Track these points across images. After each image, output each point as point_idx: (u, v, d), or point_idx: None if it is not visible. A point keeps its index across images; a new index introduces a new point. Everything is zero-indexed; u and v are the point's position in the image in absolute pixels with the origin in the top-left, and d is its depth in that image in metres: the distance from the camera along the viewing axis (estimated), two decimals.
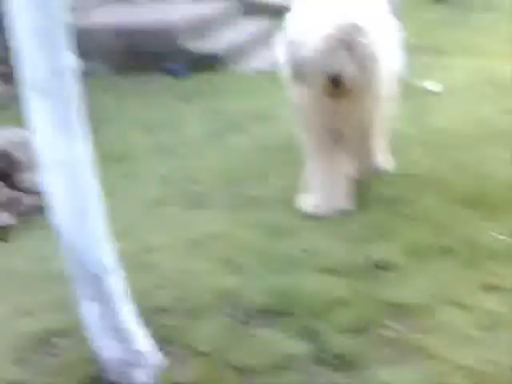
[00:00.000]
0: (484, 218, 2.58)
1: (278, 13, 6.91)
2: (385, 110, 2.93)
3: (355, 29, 2.55)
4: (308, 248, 2.53)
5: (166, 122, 4.14)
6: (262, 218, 2.82)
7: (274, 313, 2.18)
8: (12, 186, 3.05)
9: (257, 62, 5.52)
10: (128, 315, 1.96)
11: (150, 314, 2.14)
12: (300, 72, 2.65)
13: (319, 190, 2.83)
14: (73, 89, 1.78)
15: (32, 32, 1.70)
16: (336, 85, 2.58)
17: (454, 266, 2.30)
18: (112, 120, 4.16)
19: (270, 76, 5.07)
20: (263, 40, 5.99)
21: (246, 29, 6.14)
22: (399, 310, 2.10)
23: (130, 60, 5.38)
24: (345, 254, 2.45)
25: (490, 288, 2.15)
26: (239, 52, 5.59)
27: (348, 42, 2.53)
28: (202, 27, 5.74)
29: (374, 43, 2.59)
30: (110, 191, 3.19)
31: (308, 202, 2.85)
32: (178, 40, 5.43)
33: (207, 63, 5.28)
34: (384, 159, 3.12)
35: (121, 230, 2.77)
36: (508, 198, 2.71)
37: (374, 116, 2.86)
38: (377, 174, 3.06)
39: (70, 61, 1.77)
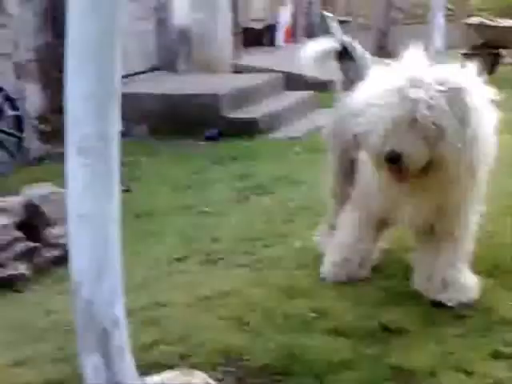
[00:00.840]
0: (504, 287, 2.48)
1: (316, 86, 7.19)
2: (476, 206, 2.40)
3: (426, 97, 2.04)
4: (318, 309, 2.46)
5: (195, 183, 4.23)
6: (275, 278, 2.77)
7: (277, 373, 2.11)
8: (34, 238, 3.12)
9: (291, 130, 5.65)
10: (129, 370, 1.93)
11: (151, 370, 2.11)
12: (361, 145, 2.27)
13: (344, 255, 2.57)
14: (114, 150, 1.84)
15: (85, 98, 1.76)
16: (396, 167, 2.11)
17: (465, 333, 2.21)
18: (143, 179, 4.27)
19: (301, 143, 5.20)
20: (299, 110, 6.16)
21: (285, 100, 6.32)
22: (404, 375, 2.02)
23: (172, 125, 5.59)
24: (355, 317, 2.38)
25: (499, 356, 2.05)
26: (276, 120, 5.73)
27: (416, 111, 2.04)
28: (244, 97, 5.95)
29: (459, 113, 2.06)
30: (131, 246, 3.29)
31: (329, 267, 2.63)
32: (219, 108, 5.62)
33: (244, 130, 5.43)
34: (469, 278, 2.41)
35: (134, 285, 2.82)
36: None
37: (463, 212, 2.33)
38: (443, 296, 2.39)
39: (117, 126, 1.83)
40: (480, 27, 8.59)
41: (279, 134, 5.53)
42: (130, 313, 2.52)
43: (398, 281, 2.64)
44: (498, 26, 8.64)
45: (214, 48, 7.36)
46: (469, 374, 1.98)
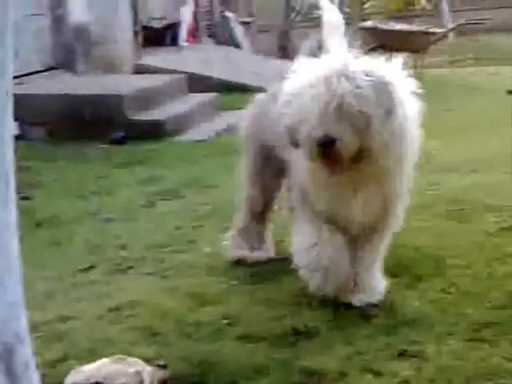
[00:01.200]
0: (407, 287, 2.57)
1: (223, 88, 7.21)
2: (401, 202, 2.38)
3: (354, 80, 2.08)
4: (230, 315, 2.46)
5: (100, 189, 4.10)
6: (186, 285, 2.74)
7: (191, 382, 2.08)
8: None
9: (197, 133, 5.62)
10: None
11: None
12: (292, 137, 2.23)
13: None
14: (9, 154, 1.72)
15: None
16: (329, 155, 2.12)
17: (372, 333, 2.27)
18: (44, 185, 4.09)
19: (208, 146, 5.19)
20: (204, 113, 6.15)
21: (189, 101, 6.28)
22: (314, 378, 2.05)
23: (72, 128, 5.39)
24: (267, 321, 2.40)
25: (405, 355, 2.12)
26: (181, 123, 5.68)
27: (343, 100, 2.07)
28: (148, 98, 5.84)
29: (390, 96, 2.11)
30: (32, 258, 3.14)
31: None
32: (123, 110, 5.49)
33: (150, 132, 5.33)
34: (379, 280, 2.46)
35: (38, 299, 2.69)
36: (430, 267, 2.73)
37: (392, 213, 2.34)
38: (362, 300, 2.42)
39: (11, 129, 1.72)
40: (374, 31, 8.95)
41: (185, 137, 5.48)
42: (34, 328, 2.41)
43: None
44: (391, 30, 9.04)
45: (113, 47, 7.17)
46: (376, 374, 2.03)
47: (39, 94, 5.59)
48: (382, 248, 2.46)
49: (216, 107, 6.53)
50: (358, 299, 2.43)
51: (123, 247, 3.22)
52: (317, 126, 2.10)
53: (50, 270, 2.99)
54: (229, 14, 11.06)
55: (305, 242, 2.42)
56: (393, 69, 2.24)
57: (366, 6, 12.36)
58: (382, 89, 2.12)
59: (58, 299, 2.71)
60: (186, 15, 9.73)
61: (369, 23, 9.72)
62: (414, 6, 11.94)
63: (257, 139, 2.79)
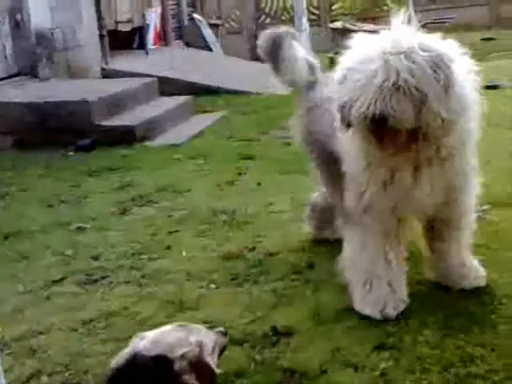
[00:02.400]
0: None
1: (196, 91, 7.13)
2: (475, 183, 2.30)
3: (411, 54, 2.00)
4: (210, 320, 2.40)
5: (70, 198, 3.99)
6: (164, 292, 2.68)
7: None
8: None
9: (170, 137, 5.53)
10: None
11: None
12: (345, 115, 2.11)
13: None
14: None
15: None
16: (380, 131, 2.01)
17: (351, 328, 2.26)
18: (11, 196, 3.96)
19: (182, 150, 5.11)
20: (176, 116, 6.06)
21: (161, 105, 6.18)
22: (296, 376, 2.03)
23: (39, 137, 5.26)
24: (246, 323, 2.36)
25: (383, 348, 2.12)
26: (153, 127, 5.58)
27: (399, 76, 1.98)
28: (117, 103, 5.73)
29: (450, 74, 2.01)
30: (1, 271, 3.02)
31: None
32: (91, 116, 5.37)
33: (120, 138, 5.23)
34: (473, 263, 2.41)
35: (8, 313, 2.59)
36: None
37: (465, 193, 2.25)
38: (459, 283, 2.38)
39: None
40: (343, 31, 8.97)
41: (158, 142, 5.38)
42: (5, 344, 2.33)
43: (286, 282, 2.65)
44: (359, 31, 9.06)
45: (78, 52, 7.04)
46: (357, 368, 2.03)
47: (2, 102, 5.45)
48: (466, 231, 2.37)
49: (189, 110, 6.45)
50: (468, 283, 2.38)
51: (96, 257, 3.13)
52: (371, 102, 2.01)
53: (20, 284, 2.89)
54: (198, 17, 10.98)
55: (365, 270, 2.30)
56: (451, 46, 2.16)
57: (334, 7, 12.41)
58: (440, 65, 2.04)
59: (29, 313, 2.61)
60: (153, 18, 9.63)
61: (338, 24, 9.76)
62: (381, 6, 12.04)
63: (311, 140, 2.66)
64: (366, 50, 2.10)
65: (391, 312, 2.28)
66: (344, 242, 2.42)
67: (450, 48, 2.14)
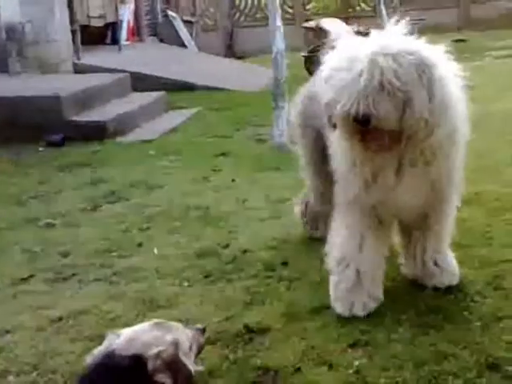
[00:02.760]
0: None
1: (170, 87, 7.06)
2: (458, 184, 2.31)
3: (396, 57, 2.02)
4: (182, 318, 2.35)
5: (40, 194, 3.91)
6: (135, 290, 2.63)
7: None
8: None
9: (142, 133, 5.47)
10: None
11: None
12: (330, 114, 2.13)
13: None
14: None
15: None
16: (364, 130, 2.03)
17: (325, 325, 2.25)
18: None
19: (155, 146, 5.06)
20: (149, 112, 5.99)
21: (134, 101, 6.11)
22: (270, 375, 2.01)
23: (10, 131, 5.14)
24: (219, 321, 2.33)
25: (357, 345, 2.11)
26: (125, 123, 5.51)
27: (383, 77, 1.99)
28: (89, 99, 5.64)
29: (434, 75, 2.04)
30: None
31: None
32: (62, 112, 5.28)
33: (92, 134, 5.15)
34: (448, 261, 2.42)
35: None
36: None
37: (448, 195, 2.26)
38: (433, 281, 2.39)
39: None
40: (316, 30, 8.98)
41: (130, 137, 5.32)
42: None
43: (259, 280, 2.63)
44: (333, 30, 9.08)
45: (50, 47, 6.91)
46: (331, 365, 2.02)
47: None
48: (446, 230, 2.38)
49: (162, 106, 6.38)
50: (440, 282, 2.39)
51: (66, 254, 3.07)
52: (355, 101, 2.01)
53: None
54: (172, 13, 10.90)
55: (340, 249, 2.31)
56: (436, 50, 2.17)
57: (308, 6, 12.45)
58: (424, 68, 2.06)
59: None
60: (127, 13, 9.53)
61: (311, 23, 9.77)
62: (354, 7, 12.11)
63: (308, 125, 2.69)
64: (352, 50, 2.11)
65: (359, 311, 2.28)
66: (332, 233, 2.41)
67: (436, 52, 2.16)
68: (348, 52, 2.12)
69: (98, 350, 1.72)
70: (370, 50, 2.06)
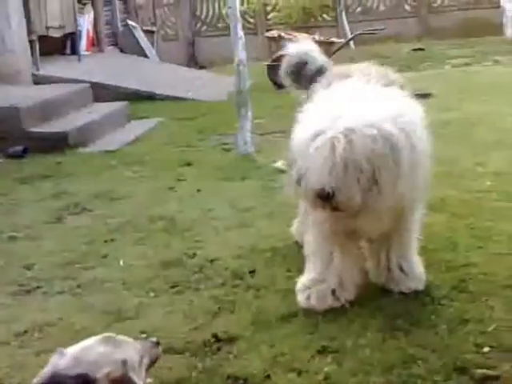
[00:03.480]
0: None
1: (131, 97, 7.00)
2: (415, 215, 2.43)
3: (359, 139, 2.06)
4: (149, 329, 2.34)
5: (1, 206, 3.82)
6: (100, 302, 2.60)
7: None
8: None
9: (104, 143, 5.40)
10: None
11: None
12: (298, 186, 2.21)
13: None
14: None
15: None
16: (327, 205, 2.13)
17: (294, 333, 2.25)
18: None
19: (117, 157, 5.00)
20: (111, 122, 5.93)
21: (95, 111, 6.03)
22: (240, 383, 2.01)
23: None
24: (187, 331, 2.32)
25: (326, 351, 2.12)
26: (87, 134, 5.44)
27: (346, 160, 2.06)
28: (49, 110, 5.55)
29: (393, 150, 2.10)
30: None
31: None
32: (21, 123, 5.17)
33: (53, 145, 5.06)
34: (415, 266, 2.48)
35: None
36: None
37: (410, 208, 2.36)
38: (399, 286, 2.44)
39: None
40: (278, 40, 9.05)
41: (92, 148, 5.25)
42: None
43: (227, 289, 2.62)
44: (294, 40, 9.17)
45: (7, 57, 6.77)
46: (300, 372, 2.03)
47: None
48: (411, 236, 2.44)
49: (124, 117, 6.32)
50: (406, 287, 2.42)
51: (29, 267, 3.01)
52: (318, 178, 2.08)
53: None
54: (132, 23, 10.83)
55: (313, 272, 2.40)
56: (409, 106, 2.22)
57: (269, 16, 12.56)
58: (386, 143, 2.09)
59: None
60: (86, 23, 9.42)
61: (273, 32, 9.85)
62: (316, 17, 12.27)
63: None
64: (321, 124, 2.15)
65: (315, 303, 2.35)
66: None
67: (399, 118, 2.16)
68: (316, 126, 2.16)
69: (43, 372, 1.66)
70: (338, 124, 2.10)
